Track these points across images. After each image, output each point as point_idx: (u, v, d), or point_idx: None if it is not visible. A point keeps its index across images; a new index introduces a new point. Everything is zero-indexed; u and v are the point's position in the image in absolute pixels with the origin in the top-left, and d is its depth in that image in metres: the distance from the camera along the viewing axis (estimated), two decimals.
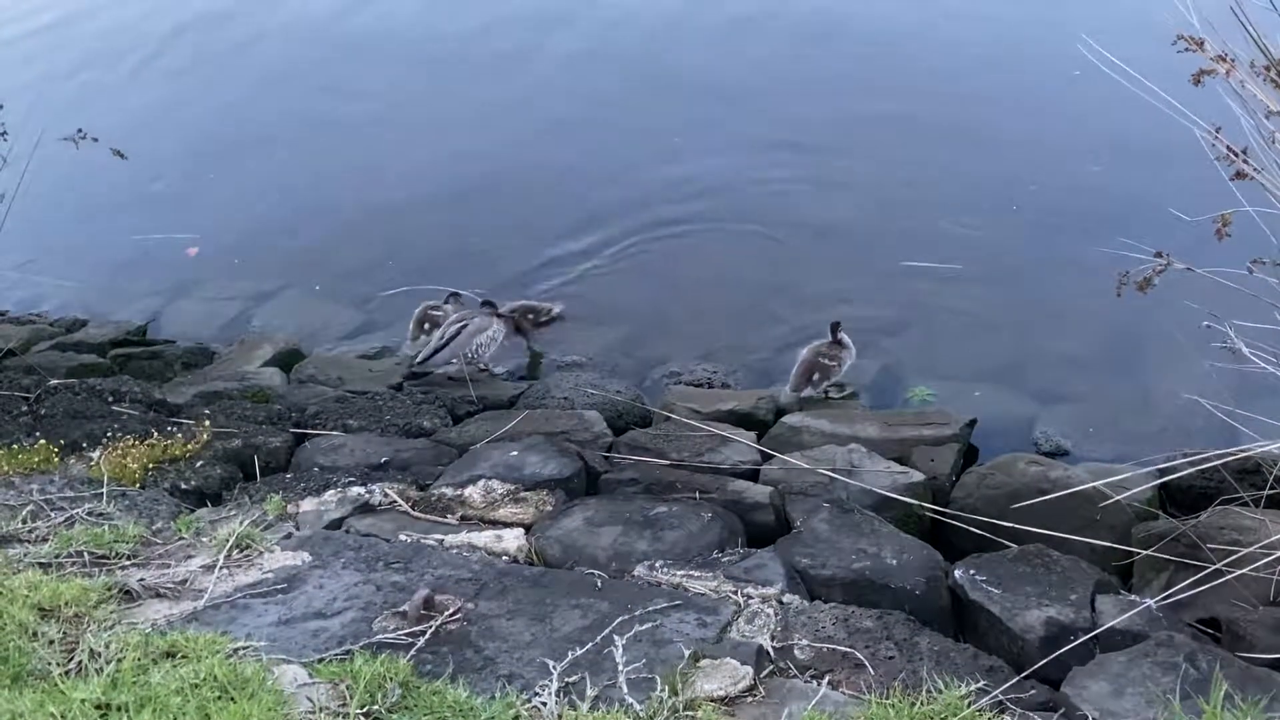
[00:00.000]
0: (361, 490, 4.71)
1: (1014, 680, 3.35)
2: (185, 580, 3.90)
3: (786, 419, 5.73)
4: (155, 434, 5.26)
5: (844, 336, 6.10)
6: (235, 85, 10.81)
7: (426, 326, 6.80)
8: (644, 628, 3.57)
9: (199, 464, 5.10)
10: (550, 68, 10.28)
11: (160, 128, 9.90)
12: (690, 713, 3.15)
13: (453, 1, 11.85)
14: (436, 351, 6.25)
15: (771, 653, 3.51)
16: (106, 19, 12.63)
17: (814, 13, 10.49)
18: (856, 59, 9.68)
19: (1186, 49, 3.81)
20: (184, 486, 4.94)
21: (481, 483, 4.75)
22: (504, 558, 4.15)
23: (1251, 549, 3.67)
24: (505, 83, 10.11)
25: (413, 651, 3.45)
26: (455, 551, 4.16)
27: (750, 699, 3.29)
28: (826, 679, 3.40)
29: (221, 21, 12.02)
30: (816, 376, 6.01)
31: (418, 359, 6.31)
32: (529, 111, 9.61)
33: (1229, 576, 3.56)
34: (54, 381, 6.17)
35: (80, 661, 3.26)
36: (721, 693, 3.27)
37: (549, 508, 4.58)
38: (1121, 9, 8.77)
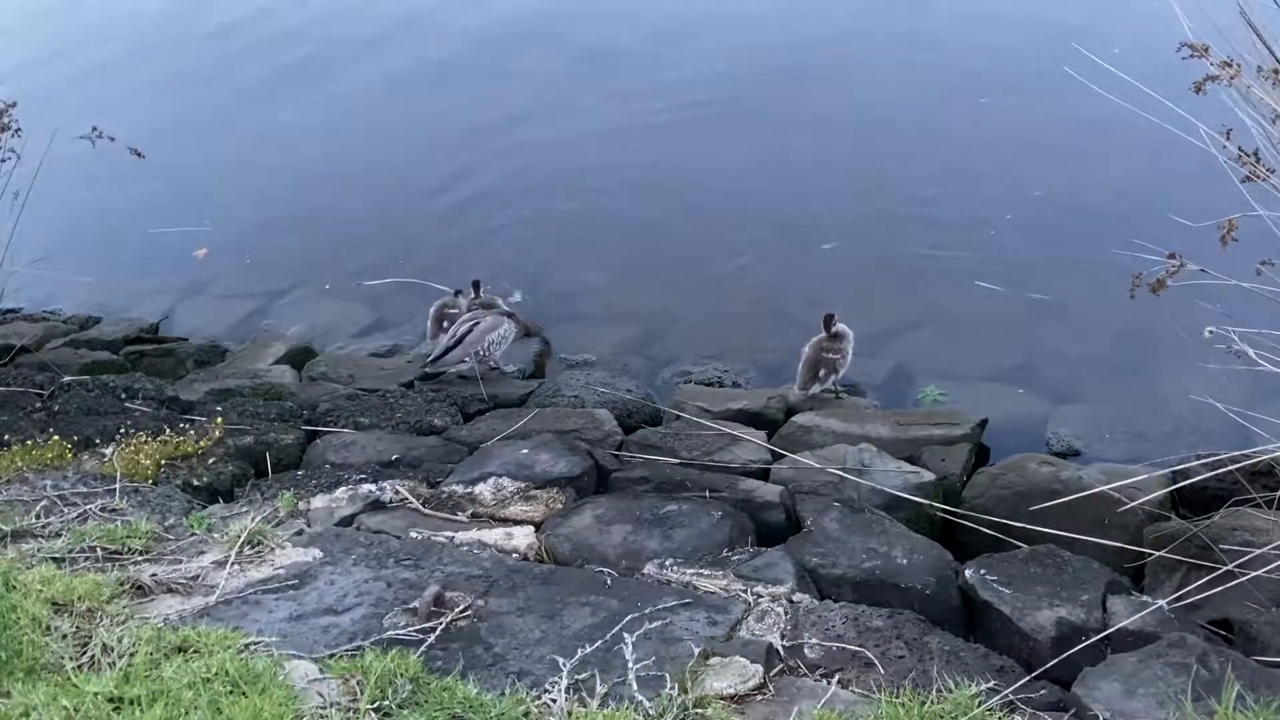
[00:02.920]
0: (372, 487, 4.73)
1: (1024, 680, 3.34)
2: (197, 576, 3.92)
3: (797, 418, 5.72)
4: (168, 431, 5.28)
5: (840, 327, 6.06)
6: (247, 85, 10.86)
7: (445, 324, 6.81)
8: (654, 625, 3.57)
9: (211, 461, 5.12)
10: (561, 67, 10.29)
11: (171, 127, 9.94)
12: (700, 710, 3.15)
13: (459, 2, 11.89)
14: (448, 351, 6.27)
15: (781, 651, 3.51)
16: (119, 19, 12.69)
17: (824, 19, 10.52)
18: (860, 59, 9.68)
19: (1192, 55, 3.80)
20: (196, 483, 4.95)
21: (492, 480, 4.76)
22: (514, 555, 4.16)
23: (1264, 550, 3.66)
24: (516, 82, 10.13)
25: (423, 648, 3.46)
26: (465, 549, 4.17)
27: (760, 697, 3.29)
28: (836, 678, 3.39)
29: (234, 22, 12.08)
30: (823, 373, 5.99)
31: (429, 360, 6.33)
32: (538, 110, 9.63)
33: (1242, 578, 3.55)
34: (67, 378, 6.21)
35: (93, 655, 3.28)
36: (731, 691, 3.27)
37: (559, 505, 4.59)
38: (1126, 15, 8.77)
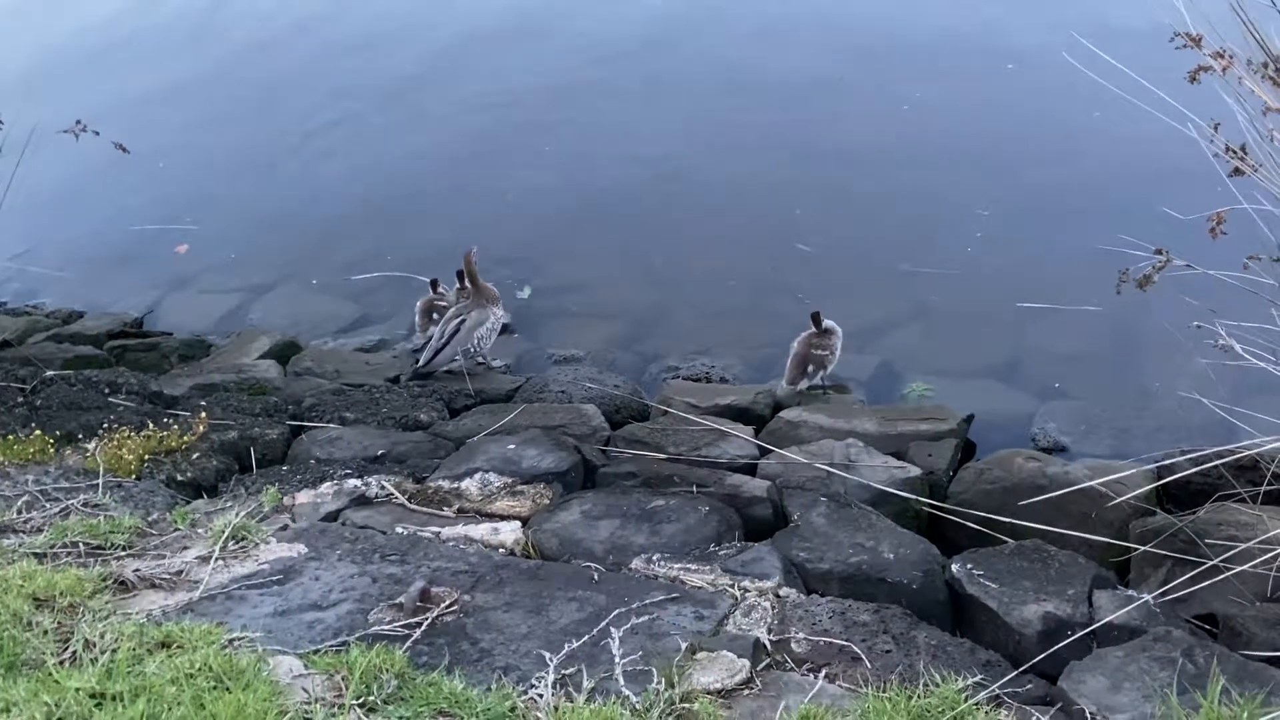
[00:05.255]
0: (358, 483, 4.71)
1: (1011, 674, 3.34)
2: (181, 571, 3.89)
3: (784, 413, 5.72)
4: (151, 426, 5.24)
5: (828, 323, 6.08)
6: (233, 80, 10.80)
7: (434, 316, 6.77)
8: (641, 620, 3.56)
9: (195, 456, 5.09)
10: (552, 64, 10.27)
11: (155, 121, 9.88)
12: (686, 705, 3.14)
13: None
14: (438, 352, 6.24)
15: (768, 646, 3.51)
16: (106, 15, 12.61)
17: (814, 13, 10.53)
18: (854, 61, 9.69)
19: (1184, 45, 3.80)
20: (180, 478, 4.92)
21: (478, 476, 4.74)
22: (501, 550, 4.15)
23: (1249, 545, 3.67)
24: (507, 76, 10.10)
25: (409, 643, 3.44)
26: (452, 544, 4.16)
27: (747, 692, 3.28)
28: (823, 672, 3.39)
29: (221, 19, 12.03)
30: (811, 368, 6.00)
31: (420, 363, 6.30)
32: (531, 106, 9.61)
33: (1227, 573, 3.55)
34: (50, 373, 6.17)
35: (75, 651, 3.25)
36: (718, 685, 3.27)
37: (546, 501, 4.58)
38: (1115, 7, 8.79)
